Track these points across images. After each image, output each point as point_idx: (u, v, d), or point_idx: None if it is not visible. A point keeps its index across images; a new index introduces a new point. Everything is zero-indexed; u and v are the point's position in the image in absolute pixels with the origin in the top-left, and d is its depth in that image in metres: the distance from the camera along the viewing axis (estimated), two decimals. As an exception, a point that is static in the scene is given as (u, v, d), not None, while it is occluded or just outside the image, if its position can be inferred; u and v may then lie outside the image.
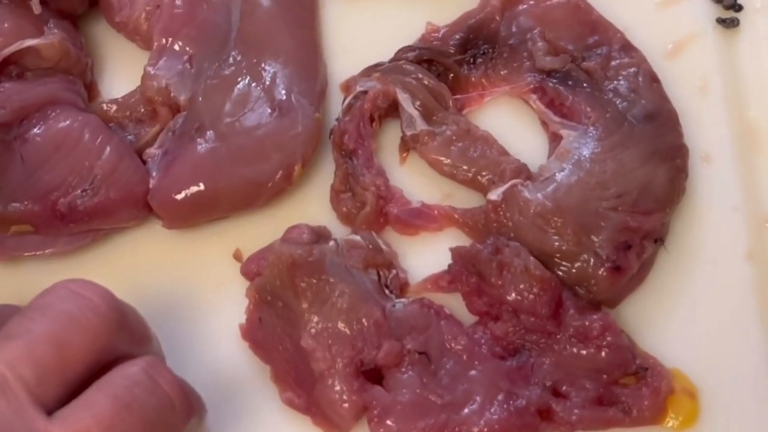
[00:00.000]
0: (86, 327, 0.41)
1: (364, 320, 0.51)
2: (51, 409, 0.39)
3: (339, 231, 0.56)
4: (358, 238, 0.55)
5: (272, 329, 0.53)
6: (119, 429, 0.40)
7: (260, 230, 0.56)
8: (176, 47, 0.58)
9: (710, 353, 0.53)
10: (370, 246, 0.54)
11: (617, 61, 0.57)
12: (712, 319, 0.54)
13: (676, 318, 0.54)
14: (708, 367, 0.53)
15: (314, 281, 0.51)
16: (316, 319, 0.51)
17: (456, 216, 0.56)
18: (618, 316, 0.53)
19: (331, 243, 0.53)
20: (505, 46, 0.59)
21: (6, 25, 0.56)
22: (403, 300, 0.53)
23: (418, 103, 0.57)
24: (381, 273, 0.54)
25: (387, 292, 0.54)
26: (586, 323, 0.51)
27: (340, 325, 0.51)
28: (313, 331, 0.51)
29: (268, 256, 0.52)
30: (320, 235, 0.54)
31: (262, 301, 0.53)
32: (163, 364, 0.44)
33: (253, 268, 0.54)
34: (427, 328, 0.52)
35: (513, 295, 0.51)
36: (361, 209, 0.56)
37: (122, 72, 0.61)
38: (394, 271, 0.54)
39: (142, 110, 0.58)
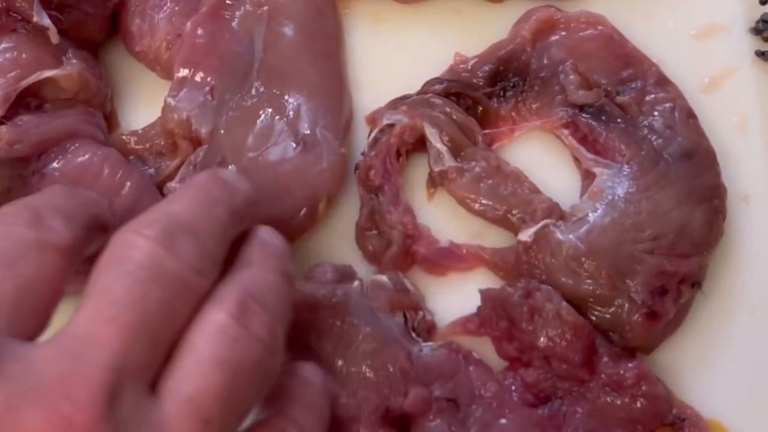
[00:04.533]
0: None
1: (389, 365, 0.50)
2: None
3: (364, 270, 0.54)
4: (384, 278, 0.53)
5: (295, 372, 0.51)
6: (233, 397, 0.36)
7: (283, 269, 0.54)
8: (197, 78, 0.56)
9: (751, 403, 0.52)
10: (397, 287, 0.53)
11: (652, 96, 0.55)
12: (752, 367, 0.52)
13: (715, 366, 0.52)
14: (748, 418, 0.51)
15: (338, 323, 0.50)
16: (340, 362, 0.50)
17: (486, 256, 0.54)
18: (653, 363, 0.52)
19: (356, 283, 0.52)
20: (536, 79, 0.57)
21: (24, 55, 0.54)
22: (430, 344, 0.52)
23: (446, 138, 0.55)
24: (408, 316, 0.52)
25: (414, 335, 0.52)
26: (621, 371, 0.50)
27: (365, 370, 0.50)
28: (337, 376, 0.50)
29: (291, 295, 0.51)
30: (344, 274, 0.53)
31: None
32: (254, 302, 0.39)
33: (275, 307, 0.53)
34: (455, 373, 0.51)
35: (544, 341, 0.50)
36: (387, 248, 0.54)
37: (142, 102, 0.60)
38: (421, 314, 0.53)
39: (163, 143, 0.57)
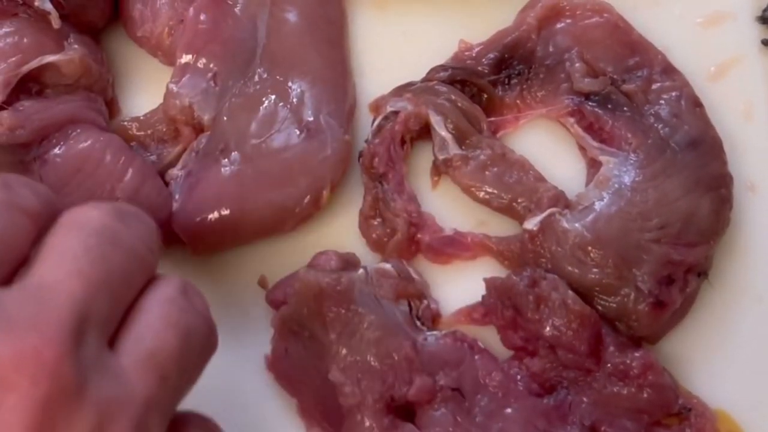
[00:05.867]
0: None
1: (394, 354, 0.50)
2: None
3: (368, 258, 0.54)
4: (388, 266, 0.53)
5: (299, 361, 0.51)
6: (185, 358, 0.38)
7: (286, 256, 0.54)
8: (200, 64, 0.56)
9: (756, 394, 0.51)
10: (401, 275, 0.53)
11: (658, 84, 0.55)
12: (758, 357, 0.52)
13: (721, 356, 0.52)
14: (754, 408, 0.51)
15: (342, 311, 0.50)
16: (344, 351, 0.50)
17: (490, 245, 0.54)
18: (659, 352, 0.52)
19: (360, 271, 0.52)
20: (541, 67, 0.57)
21: (25, 40, 0.54)
22: (435, 333, 0.51)
23: (451, 125, 0.55)
24: (412, 304, 0.52)
25: (418, 324, 0.52)
26: (627, 361, 0.49)
27: (370, 359, 0.49)
28: (341, 364, 0.49)
29: (294, 283, 0.51)
30: (349, 262, 0.52)
31: (289, 331, 0.51)
32: (191, 285, 0.42)
33: (278, 296, 0.53)
34: (460, 362, 0.51)
35: (550, 330, 0.50)
36: (391, 236, 0.54)
37: (144, 88, 0.59)
38: (425, 302, 0.53)
39: (165, 129, 0.56)
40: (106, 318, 0.36)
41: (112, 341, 0.37)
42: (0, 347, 0.33)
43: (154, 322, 0.38)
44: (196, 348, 0.39)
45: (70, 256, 0.36)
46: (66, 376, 0.33)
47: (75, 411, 0.33)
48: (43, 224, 0.39)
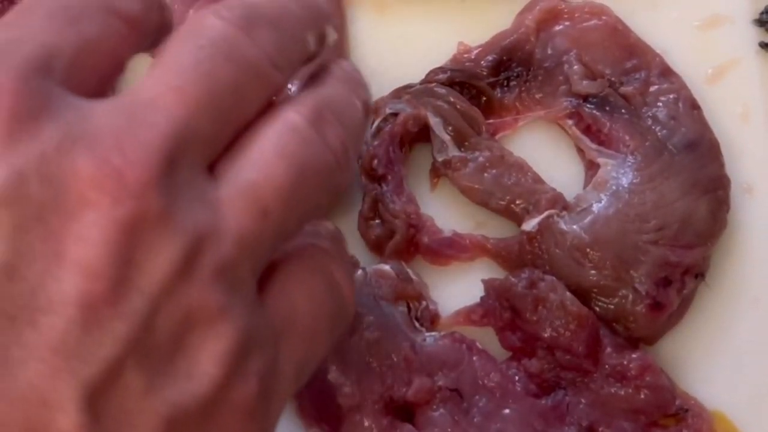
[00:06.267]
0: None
1: (393, 355, 0.50)
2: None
3: (367, 259, 0.54)
4: (387, 267, 0.53)
5: (298, 362, 0.51)
6: (295, 196, 0.33)
7: (286, 257, 0.54)
8: (200, 66, 0.56)
9: (754, 395, 0.52)
10: (400, 276, 0.53)
11: (656, 87, 0.55)
12: (755, 358, 0.52)
13: (718, 357, 0.52)
14: (751, 409, 0.51)
15: (341, 312, 0.50)
16: (343, 352, 0.50)
17: (489, 246, 0.54)
18: (656, 353, 0.52)
19: (359, 272, 0.52)
20: (540, 69, 0.57)
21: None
22: (433, 334, 0.52)
23: (450, 127, 0.55)
24: (411, 305, 0.52)
25: (417, 325, 0.52)
26: (624, 362, 0.50)
27: (369, 359, 0.50)
28: (340, 364, 0.49)
29: (294, 284, 0.51)
30: (348, 263, 0.53)
31: (288, 332, 0.51)
32: (329, 112, 0.36)
33: (278, 296, 0.53)
34: (459, 363, 0.51)
35: (548, 331, 0.50)
36: (390, 237, 0.54)
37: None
38: (424, 303, 0.53)
39: (165, 131, 0.57)
40: (208, 141, 0.33)
41: (214, 167, 0.33)
42: (80, 162, 0.30)
43: (266, 150, 0.33)
44: (312, 185, 0.34)
45: (176, 70, 0.32)
46: (151, 202, 0.30)
47: (158, 239, 0.30)
48: (148, 34, 0.35)
